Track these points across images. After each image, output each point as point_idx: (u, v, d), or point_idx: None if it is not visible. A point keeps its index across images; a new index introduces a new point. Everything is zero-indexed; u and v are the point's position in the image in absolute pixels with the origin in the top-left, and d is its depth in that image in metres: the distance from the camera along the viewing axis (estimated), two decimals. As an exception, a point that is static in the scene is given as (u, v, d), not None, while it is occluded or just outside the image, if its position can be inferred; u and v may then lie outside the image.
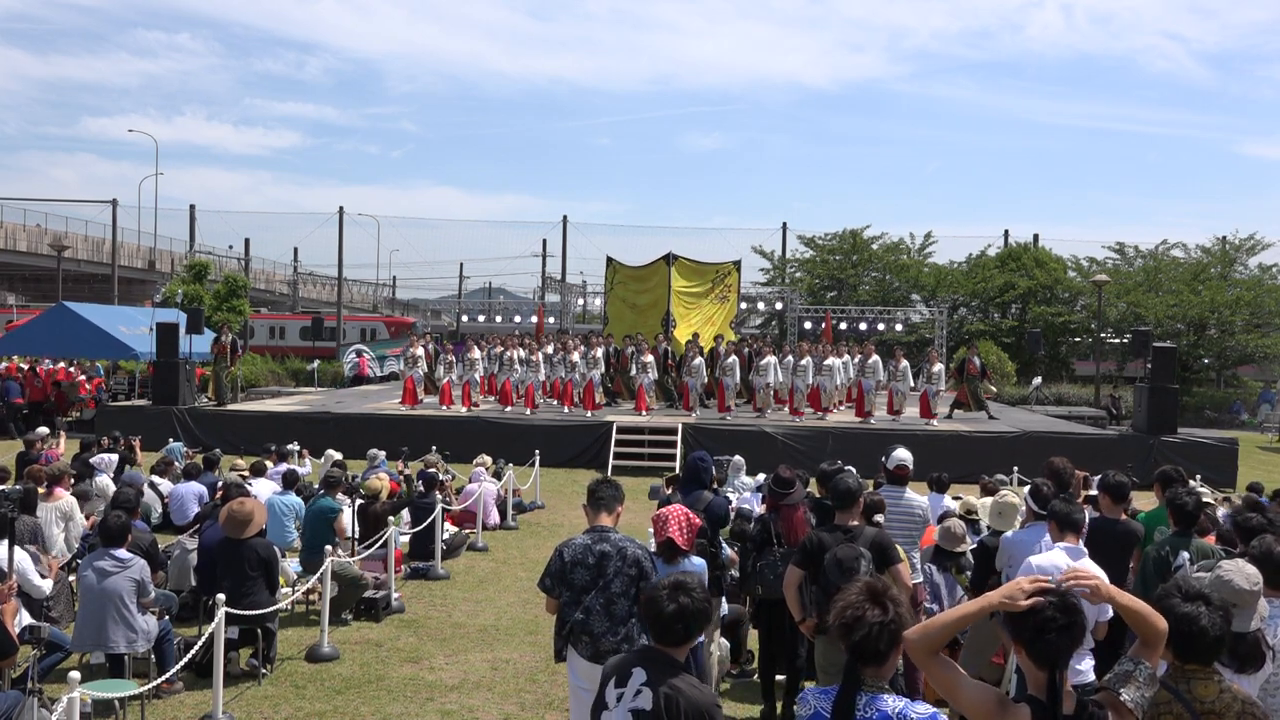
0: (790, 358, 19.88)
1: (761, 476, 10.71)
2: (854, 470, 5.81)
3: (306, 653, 7.41)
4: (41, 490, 8.41)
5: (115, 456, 12.32)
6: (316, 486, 10.44)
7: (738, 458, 12.49)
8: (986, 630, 5.41)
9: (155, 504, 11.17)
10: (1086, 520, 5.19)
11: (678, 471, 12.93)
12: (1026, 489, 6.10)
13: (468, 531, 11.48)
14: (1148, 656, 2.73)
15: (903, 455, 6.67)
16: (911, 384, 20.18)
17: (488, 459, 13.15)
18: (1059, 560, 4.63)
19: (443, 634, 8.12)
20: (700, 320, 23.55)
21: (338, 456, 12.58)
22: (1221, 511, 9.38)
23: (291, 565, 8.79)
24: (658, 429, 18.03)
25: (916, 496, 6.67)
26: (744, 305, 30.26)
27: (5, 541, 5.83)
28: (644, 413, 18.97)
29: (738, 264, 25.20)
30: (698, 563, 5.32)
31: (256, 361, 31.14)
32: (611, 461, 17.11)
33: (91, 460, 11.31)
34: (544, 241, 51.91)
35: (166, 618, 6.91)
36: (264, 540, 7.10)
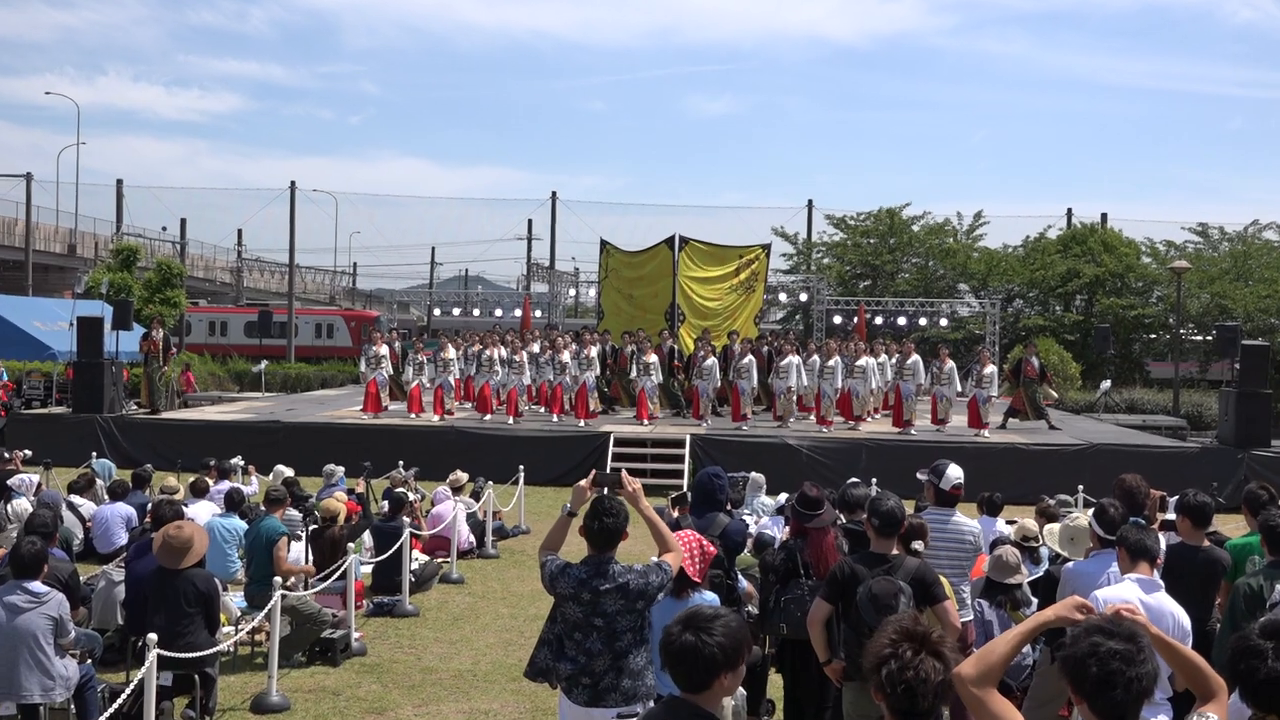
0: (816, 358, 19.87)
1: (784, 497, 10.71)
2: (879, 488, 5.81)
3: (252, 702, 7.41)
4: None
5: (35, 477, 12.31)
6: (263, 507, 10.44)
7: (756, 474, 12.47)
8: (1053, 680, 5.40)
9: (76, 529, 11.16)
10: (1163, 548, 5.18)
11: (686, 491, 12.92)
12: (1091, 514, 6.10)
13: (440, 561, 11.48)
14: (1214, 710, 2.74)
15: (957, 473, 6.67)
16: (959, 388, 20.17)
17: (463, 476, 13.14)
18: (1129, 594, 4.62)
19: (411, 680, 8.11)
20: (722, 315, 23.54)
21: (289, 473, 12.56)
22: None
23: (235, 600, 8.78)
24: (662, 441, 18.03)
25: (967, 520, 6.67)
26: (764, 296, 30.28)
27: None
28: (646, 422, 18.97)
29: (766, 248, 25.18)
30: (709, 597, 5.32)
31: (194, 362, 31.14)
32: (608, 479, 17.11)
33: (10, 482, 11.30)
34: (529, 222, 51.87)
35: (89, 661, 6.90)
36: (203, 571, 7.10)
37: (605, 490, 4.78)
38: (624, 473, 4.80)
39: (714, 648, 3.02)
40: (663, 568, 4.63)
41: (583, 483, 4.75)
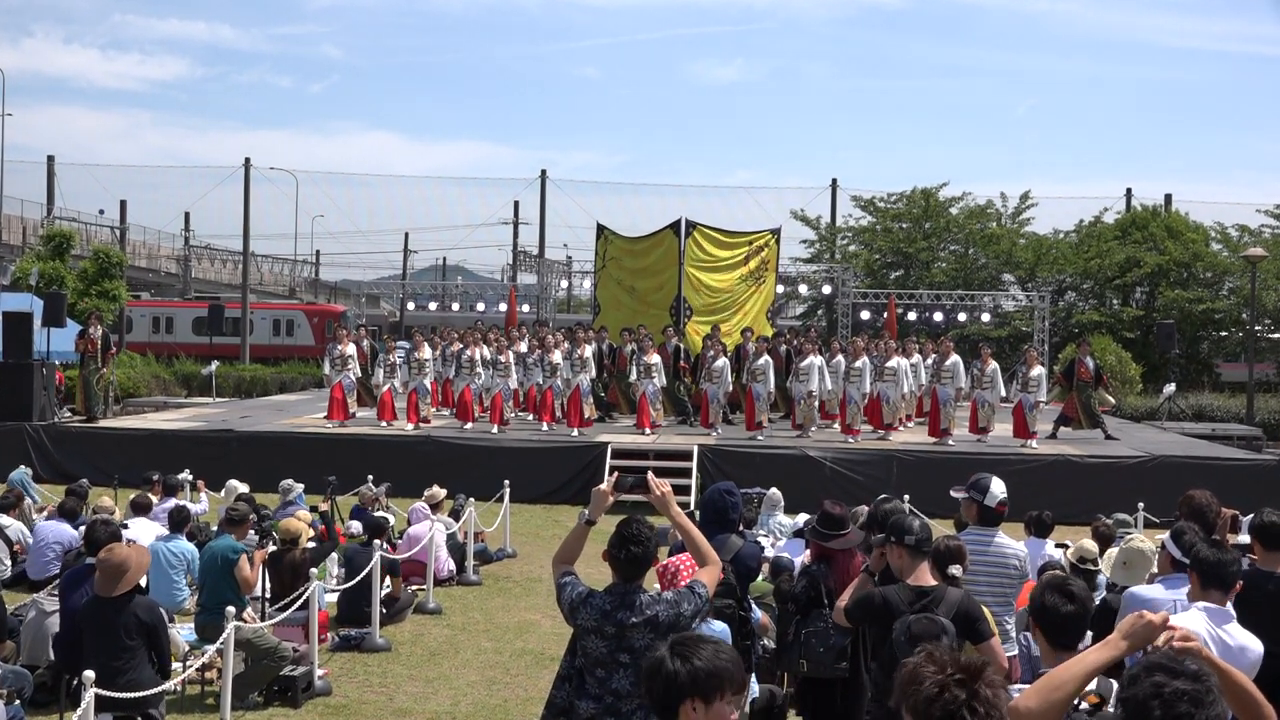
0: (841, 358, 19.89)
1: (804, 517, 10.75)
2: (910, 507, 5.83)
3: (202, 748, 7.43)
4: None
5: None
6: (214, 527, 10.45)
7: (773, 491, 12.50)
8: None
9: (2, 552, 11.21)
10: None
11: (693, 509, 12.95)
12: (1167, 535, 6.11)
13: (415, 588, 11.51)
14: None
15: (1001, 489, 6.70)
16: (1003, 393, 20.17)
17: (440, 492, 13.16)
18: (1197, 624, 4.63)
19: (382, 724, 8.12)
20: (730, 309, 23.57)
21: (243, 489, 12.57)
22: None
23: (182, 633, 8.81)
24: (666, 452, 18.05)
25: (1011, 543, 6.68)
26: (781, 288, 30.31)
27: None
28: (648, 430, 18.99)
29: (776, 233, 25.24)
30: (718, 627, 5.34)
31: (136, 363, 31.17)
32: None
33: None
34: (515, 204, 51.99)
35: (17, 702, 6.92)
36: (146, 599, 7.12)
37: (628, 493, 4.81)
38: (650, 475, 4.81)
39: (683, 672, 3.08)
40: (695, 591, 4.63)
41: (603, 486, 4.77)
